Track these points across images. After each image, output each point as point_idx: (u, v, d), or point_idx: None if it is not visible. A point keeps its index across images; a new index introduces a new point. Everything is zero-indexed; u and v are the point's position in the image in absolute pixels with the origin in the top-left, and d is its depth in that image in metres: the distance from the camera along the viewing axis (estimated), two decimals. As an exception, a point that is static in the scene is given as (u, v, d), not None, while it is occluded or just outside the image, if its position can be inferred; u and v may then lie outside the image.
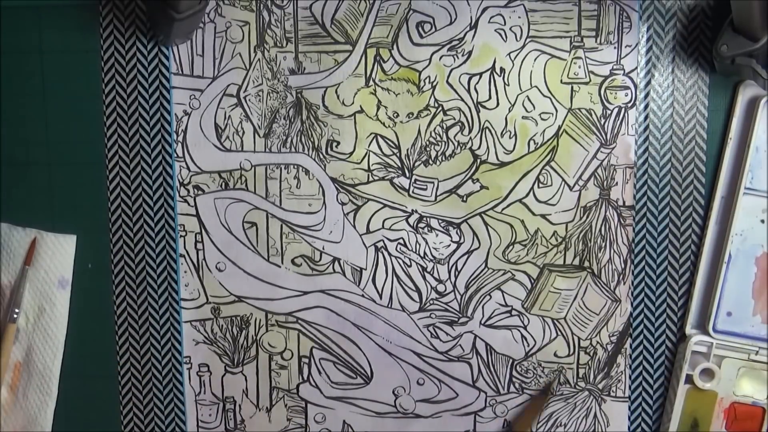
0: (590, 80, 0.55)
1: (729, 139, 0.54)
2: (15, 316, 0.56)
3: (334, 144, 0.56)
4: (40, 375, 0.57)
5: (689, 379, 0.55)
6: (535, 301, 0.57)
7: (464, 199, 0.56)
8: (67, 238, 0.57)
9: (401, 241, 0.57)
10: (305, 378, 0.58)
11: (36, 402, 0.57)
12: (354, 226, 0.57)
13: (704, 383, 0.55)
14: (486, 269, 0.57)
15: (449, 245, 0.57)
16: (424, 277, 0.57)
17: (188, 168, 0.57)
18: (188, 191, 0.57)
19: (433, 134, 0.56)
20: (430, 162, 0.56)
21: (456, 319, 0.57)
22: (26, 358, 0.57)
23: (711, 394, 0.56)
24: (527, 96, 0.55)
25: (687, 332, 0.56)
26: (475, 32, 0.55)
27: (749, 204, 0.54)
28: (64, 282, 0.57)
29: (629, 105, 0.55)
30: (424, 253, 0.57)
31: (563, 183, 0.56)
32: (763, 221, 0.54)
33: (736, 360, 0.55)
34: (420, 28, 0.55)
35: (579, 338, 0.57)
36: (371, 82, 0.55)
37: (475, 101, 0.55)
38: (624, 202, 0.56)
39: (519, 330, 0.57)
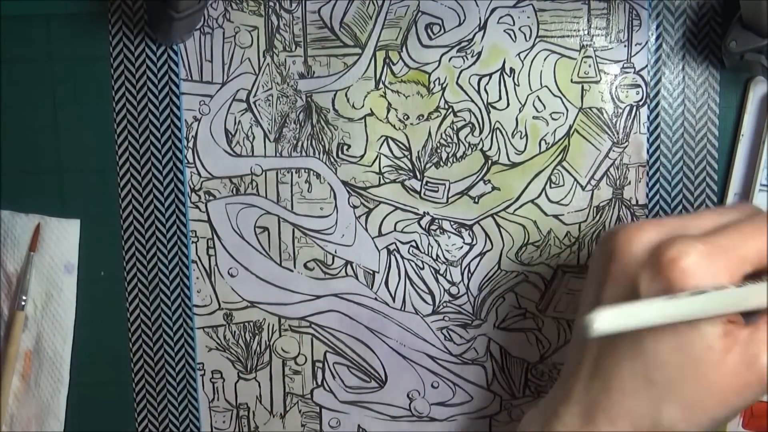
0: (601, 79, 0.55)
1: (741, 136, 0.54)
2: (23, 303, 0.56)
3: (345, 147, 0.56)
4: (51, 362, 0.57)
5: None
6: (549, 303, 0.57)
7: (476, 200, 0.56)
8: (71, 222, 0.57)
9: (413, 243, 0.56)
10: (319, 383, 0.58)
11: (48, 389, 0.57)
12: (366, 229, 0.56)
13: None
14: (499, 271, 0.57)
15: (462, 247, 0.56)
16: (437, 280, 0.57)
17: (199, 174, 0.57)
18: (199, 197, 0.57)
19: (443, 136, 0.56)
20: (441, 164, 0.56)
21: (470, 322, 0.57)
22: (36, 346, 0.57)
23: (728, 394, 0.55)
24: (538, 96, 0.55)
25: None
26: (484, 33, 0.55)
27: (763, 201, 0.54)
28: (70, 267, 0.57)
29: (640, 103, 0.55)
30: (437, 255, 0.57)
31: (575, 183, 0.56)
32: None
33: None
34: (429, 30, 0.55)
35: (594, 339, 0.57)
36: (381, 85, 0.55)
37: (485, 102, 0.55)
38: (637, 201, 0.55)
39: (534, 332, 0.57)
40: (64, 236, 0.57)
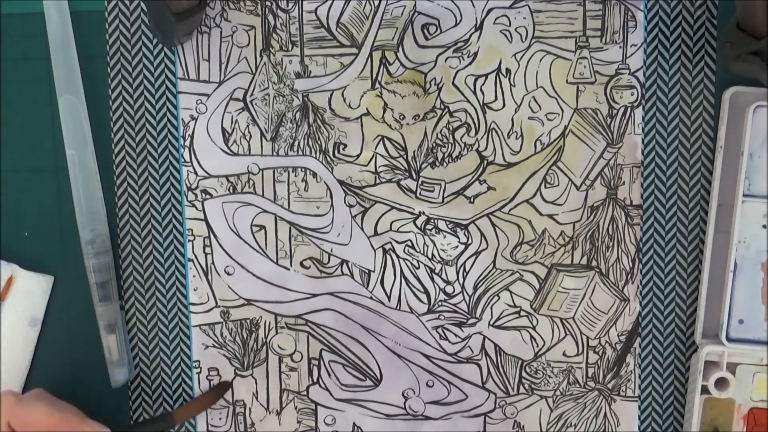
0: (596, 80, 0.55)
1: (720, 148, 0.54)
2: None
3: (341, 147, 0.56)
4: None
5: (705, 390, 0.55)
6: (544, 302, 0.57)
7: (471, 200, 0.56)
8: (45, 278, 0.57)
9: (409, 243, 0.57)
10: (315, 380, 0.58)
11: None
12: (362, 229, 0.57)
13: (720, 392, 0.54)
14: (494, 270, 0.57)
15: (457, 246, 0.57)
16: (432, 279, 0.57)
17: (196, 172, 0.57)
18: (196, 195, 0.57)
19: (439, 136, 0.56)
20: (437, 164, 0.56)
21: (464, 321, 0.57)
22: None
23: (729, 402, 0.55)
24: (533, 96, 0.55)
25: (698, 342, 0.56)
26: (480, 33, 0.55)
27: (747, 211, 0.54)
28: (33, 321, 0.57)
29: (635, 104, 0.55)
30: (432, 254, 0.57)
31: (570, 183, 0.56)
32: (764, 226, 0.54)
33: (749, 366, 0.55)
34: (425, 30, 0.55)
35: (588, 338, 0.57)
36: (377, 85, 0.56)
37: (481, 102, 0.55)
38: (631, 201, 0.56)
39: (528, 330, 0.57)
40: (35, 290, 0.57)
